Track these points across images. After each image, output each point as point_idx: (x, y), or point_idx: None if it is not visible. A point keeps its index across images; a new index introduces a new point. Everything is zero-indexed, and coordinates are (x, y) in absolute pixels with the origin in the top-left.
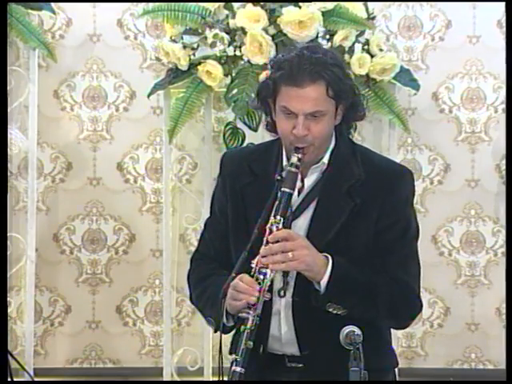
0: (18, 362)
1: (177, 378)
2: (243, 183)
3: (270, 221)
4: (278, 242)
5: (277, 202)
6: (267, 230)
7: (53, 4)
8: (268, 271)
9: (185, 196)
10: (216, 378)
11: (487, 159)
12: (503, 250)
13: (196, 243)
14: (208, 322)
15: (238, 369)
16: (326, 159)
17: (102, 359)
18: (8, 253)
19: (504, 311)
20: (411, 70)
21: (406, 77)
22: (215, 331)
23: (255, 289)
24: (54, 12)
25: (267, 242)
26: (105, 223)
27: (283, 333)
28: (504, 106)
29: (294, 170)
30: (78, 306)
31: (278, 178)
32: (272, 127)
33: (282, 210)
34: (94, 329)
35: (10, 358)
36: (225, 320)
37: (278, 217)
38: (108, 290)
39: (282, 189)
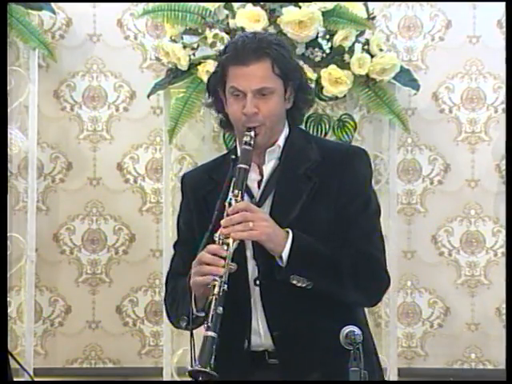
0: (18, 362)
1: (177, 378)
2: (205, 191)
3: (229, 196)
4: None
5: (234, 179)
6: (226, 205)
7: (53, 4)
8: (230, 241)
9: None
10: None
11: (487, 159)
12: (503, 250)
13: None
14: (181, 320)
15: (211, 333)
16: (281, 142)
17: (101, 359)
18: (8, 253)
19: (504, 311)
20: (411, 70)
21: (405, 77)
22: (186, 328)
23: (222, 254)
24: (54, 12)
25: (227, 215)
26: (105, 223)
27: (260, 323)
28: (504, 106)
29: (247, 147)
30: (78, 305)
31: (233, 157)
32: (226, 123)
33: (240, 184)
34: (94, 329)
35: (10, 357)
36: (194, 309)
37: (236, 191)
38: (108, 290)
39: (238, 165)
